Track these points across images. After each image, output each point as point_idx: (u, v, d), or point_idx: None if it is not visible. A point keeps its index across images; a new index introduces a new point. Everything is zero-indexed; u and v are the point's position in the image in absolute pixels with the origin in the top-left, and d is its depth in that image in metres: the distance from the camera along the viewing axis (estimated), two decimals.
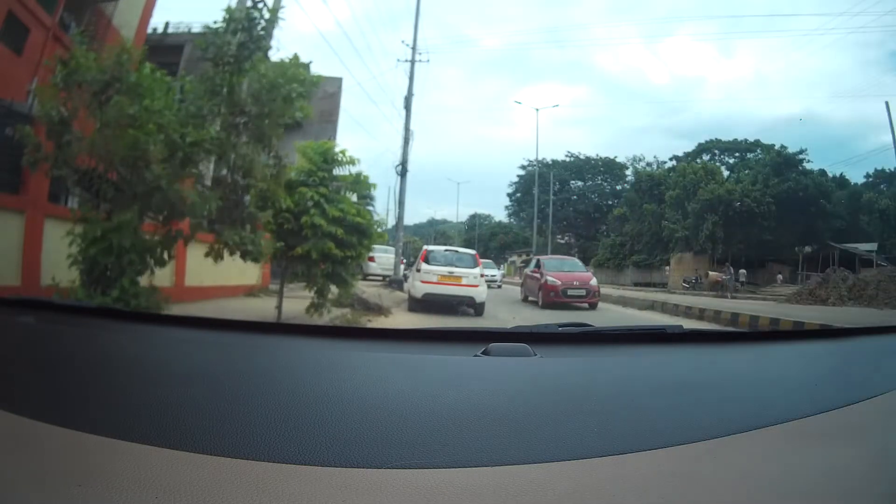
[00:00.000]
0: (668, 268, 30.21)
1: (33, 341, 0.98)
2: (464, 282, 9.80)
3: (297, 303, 7.11)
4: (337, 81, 24.93)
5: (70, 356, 0.91)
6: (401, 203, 17.86)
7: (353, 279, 7.23)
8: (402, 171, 17.60)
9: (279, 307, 6.66)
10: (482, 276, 10.21)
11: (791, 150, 29.39)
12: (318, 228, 6.27)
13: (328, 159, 6.68)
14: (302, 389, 0.75)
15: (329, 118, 24.74)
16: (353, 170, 6.77)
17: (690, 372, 0.95)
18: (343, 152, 6.80)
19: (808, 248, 27.13)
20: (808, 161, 29.27)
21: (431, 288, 9.62)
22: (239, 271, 7.81)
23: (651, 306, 12.67)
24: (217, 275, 7.52)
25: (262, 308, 7.08)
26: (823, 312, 10.96)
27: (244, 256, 5.26)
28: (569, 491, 0.51)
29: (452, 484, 0.50)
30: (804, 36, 50.56)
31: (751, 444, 0.61)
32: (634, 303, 13.88)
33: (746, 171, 30.44)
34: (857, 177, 34.27)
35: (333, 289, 6.94)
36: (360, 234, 6.81)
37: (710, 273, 22.90)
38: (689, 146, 40.71)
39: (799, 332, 1.65)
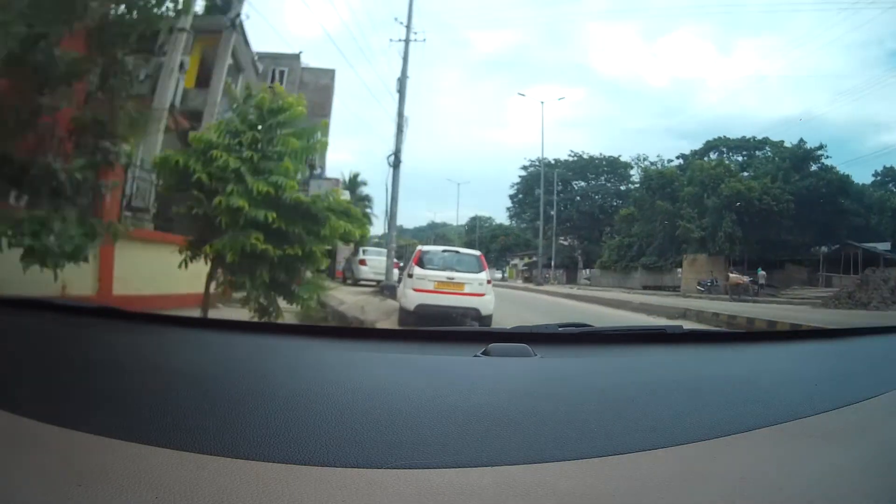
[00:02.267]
0: (679, 270, 28.65)
1: (33, 341, 0.97)
2: (466, 289, 7.96)
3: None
4: (329, 73, 23.54)
5: (70, 356, 0.90)
6: (393, 198, 15.10)
7: (314, 288, 4.96)
8: (395, 162, 14.94)
9: None
10: (489, 281, 8.31)
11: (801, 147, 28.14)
12: (239, 214, 4.16)
13: (265, 113, 4.51)
14: (302, 389, 0.75)
15: (321, 112, 23.29)
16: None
17: (690, 372, 0.95)
18: (290, 100, 4.68)
19: (824, 249, 26.00)
20: (827, 157, 28.06)
21: (426, 297, 7.81)
22: (192, 277, 6.07)
23: (683, 315, 11.01)
24: (161, 281, 5.98)
25: None
26: (869, 318, 9.61)
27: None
28: (569, 491, 0.51)
29: (452, 484, 0.50)
30: (805, 34, 49.88)
31: (751, 444, 0.61)
32: (660, 311, 12.21)
33: (764, 167, 29.01)
34: (860, 176, 33.28)
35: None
36: (309, 220, 4.47)
37: (731, 275, 21.49)
38: (690, 147, 39.72)
39: (799, 333, 1.64)
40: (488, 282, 8.33)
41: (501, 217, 56.19)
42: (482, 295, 8.02)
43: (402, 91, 14.72)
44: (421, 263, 8.30)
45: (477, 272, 8.27)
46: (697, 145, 36.92)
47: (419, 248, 9.35)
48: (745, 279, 20.74)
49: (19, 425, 0.57)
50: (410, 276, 8.17)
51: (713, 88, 54.58)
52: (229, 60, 16.25)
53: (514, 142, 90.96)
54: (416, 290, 7.99)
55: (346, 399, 0.69)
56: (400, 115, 15.15)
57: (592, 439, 0.59)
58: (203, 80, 15.21)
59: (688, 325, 3.92)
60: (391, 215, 15.30)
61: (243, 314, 4.74)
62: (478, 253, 9.12)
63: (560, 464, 0.53)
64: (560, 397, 0.74)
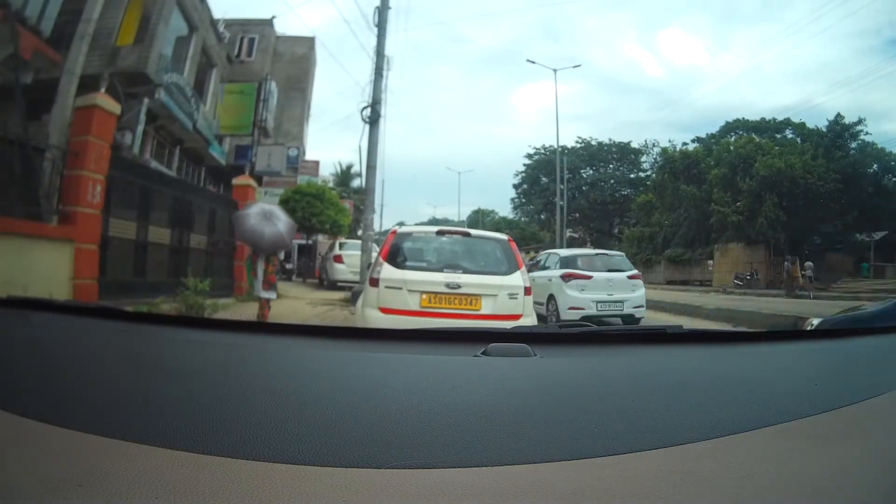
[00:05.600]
0: (710, 262, 25.60)
1: (33, 341, 0.97)
2: (486, 308, 4.30)
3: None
4: (308, 42, 20.52)
5: (70, 356, 0.90)
6: (370, 167, 10.92)
7: None
8: (373, 117, 10.77)
9: None
10: (528, 290, 4.49)
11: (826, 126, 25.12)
12: None
13: None
14: (302, 389, 0.74)
15: (297, 85, 20.20)
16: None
17: (690, 372, 0.95)
18: None
19: (873, 236, 23.05)
20: (867, 133, 25.07)
21: (405, 324, 3.89)
22: None
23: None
24: None
25: None
26: None
27: None
28: (569, 491, 0.50)
29: (452, 484, 0.50)
30: (805, 25, 47.68)
31: (751, 444, 0.60)
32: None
33: (795, 146, 25.96)
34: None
35: None
36: None
37: (793, 267, 18.70)
38: (690, 140, 36.76)
39: (799, 333, 1.58)
40: (526, 291, 4.47)
41: (504, 211, 53.45)
42: (517, 318, 4.27)
43: (381, 24, 10.80)
44: (395, 258, 4.49)
45: (505, 272, 4.53)
46: (699, 136, 34.42)
47: (394, 229, 5.25)
48: (807, 272, 18.23)
49: (19, 425, 0.57)
50: (375, 282, 4.36)
51: (711, 79, 53.16)
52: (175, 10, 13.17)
53: (514, 135, 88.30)
54: (384, 310, 4.22)
55: (346, 399, 0.69)
56: (379, 53, 11.07)
57: (592, 439, 0.59)
58: (142, 36, 12.29)
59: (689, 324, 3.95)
60: (367, 189, 11.18)
61: None
62: (504, 237, 4.99)
63: (560, 464, 0.53)
64: (560, 397, 0.75)
